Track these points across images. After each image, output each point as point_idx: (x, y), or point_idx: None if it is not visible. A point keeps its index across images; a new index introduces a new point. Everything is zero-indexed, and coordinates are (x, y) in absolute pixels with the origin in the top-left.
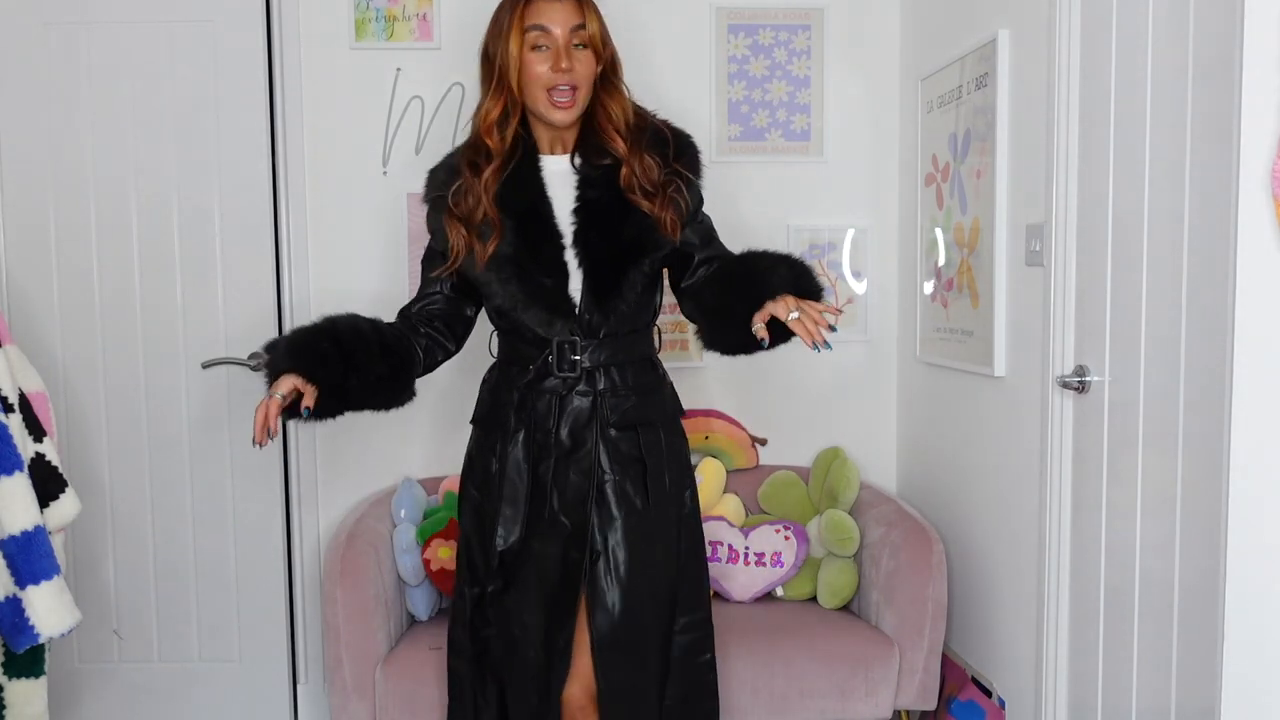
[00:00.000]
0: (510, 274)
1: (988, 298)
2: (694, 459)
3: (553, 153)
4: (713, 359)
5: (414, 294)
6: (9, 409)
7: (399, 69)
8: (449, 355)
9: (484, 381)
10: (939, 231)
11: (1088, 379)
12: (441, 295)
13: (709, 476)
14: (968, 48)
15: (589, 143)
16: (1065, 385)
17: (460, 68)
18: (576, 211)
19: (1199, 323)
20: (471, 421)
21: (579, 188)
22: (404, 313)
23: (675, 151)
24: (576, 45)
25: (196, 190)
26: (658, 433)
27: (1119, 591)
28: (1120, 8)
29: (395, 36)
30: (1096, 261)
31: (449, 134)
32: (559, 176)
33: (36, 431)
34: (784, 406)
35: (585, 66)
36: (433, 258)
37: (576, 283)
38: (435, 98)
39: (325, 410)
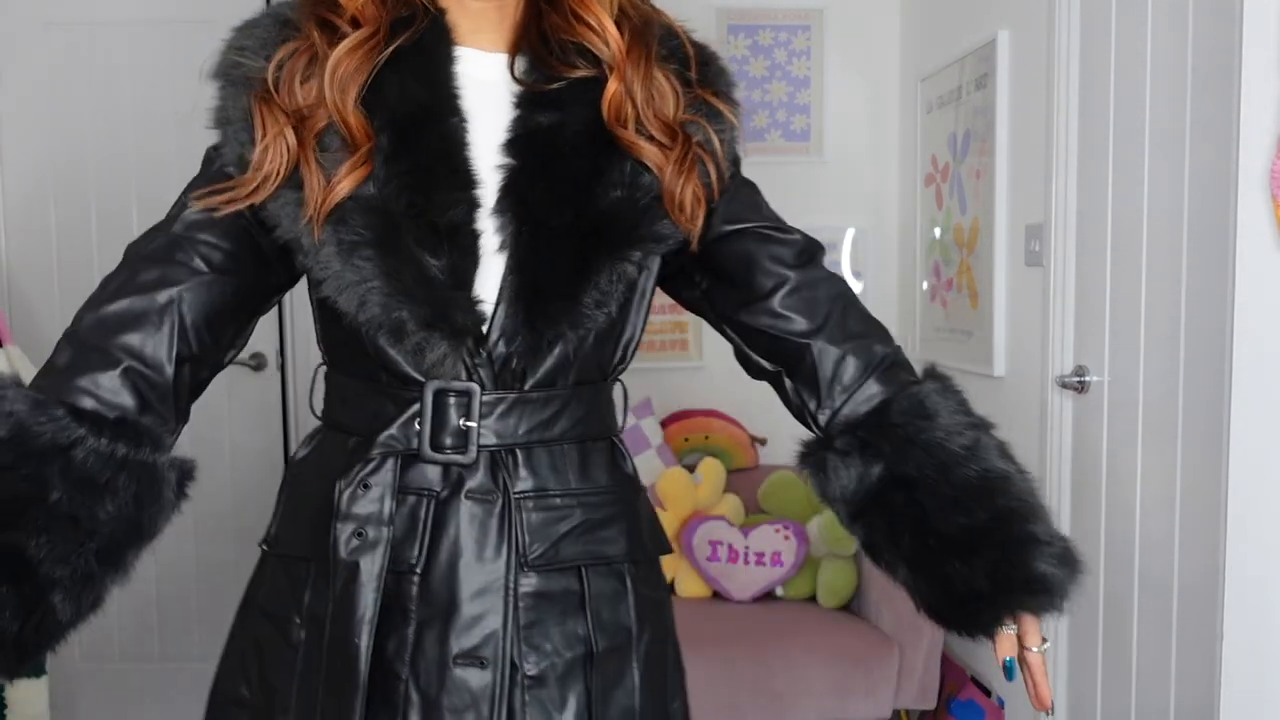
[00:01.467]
0: (367, 239)
1: (987, 298)
2: (694, 459)
3: (475, 46)
4: (713, 358)
5: (154, 244)
6: None
7: None
8: (213, 367)
9: (291, 466)
10: (938, 231)
11: (1087, 379)
12: (207, 251)
13: (709, 476)
14: (967, 48)
15: (543, 36)
16: (1065, 385)
17: None
18: (510, 145)
19: (1198, 323)
20: (262, 543)
21: (519, 106)
22: (97, 307)
23: (701, 73)
24: None
25: None
26: (621, 583)
27: (1118, 590)
28: (1120, 9)
29: None
30: (1096, 261)
31: None
32: (482, 88)
33: None
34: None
35: None
36: (208, 180)
37: (491, 276)
38: None
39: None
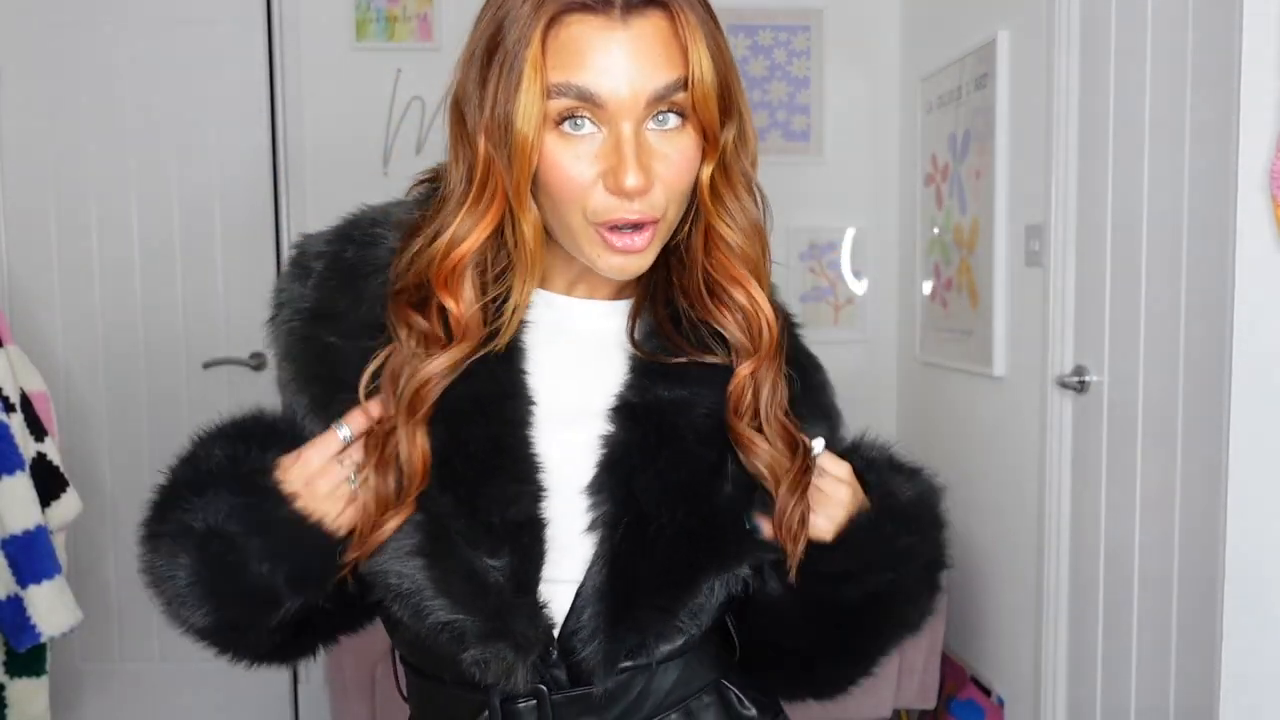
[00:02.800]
0: (412, 547)
1: (987, 298)
2: None
3: (570, 294)
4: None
5: None
6: (10, 409)
7: (399, 69)
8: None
9: None
10: (938, 231)
11: (1087, 379)
12: None
13: None
14: (967, 48)
15: (675, 305)
16: (1064, 385)
17: None
18: (620, 412)
19: (1198, 323)
20: None
21: (636, 371)
22: None
23: (811, 376)
24: (663, 117)
25: (196, 190)
26: None
27: (1118, 591)
28: (1119, 9)
29: (396, 37)
30: (1096, 261)
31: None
32: (577, 341)
33: (38, 431)
34: None
35: (678, 169)
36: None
37: (571, 563)
38: (435, 98)
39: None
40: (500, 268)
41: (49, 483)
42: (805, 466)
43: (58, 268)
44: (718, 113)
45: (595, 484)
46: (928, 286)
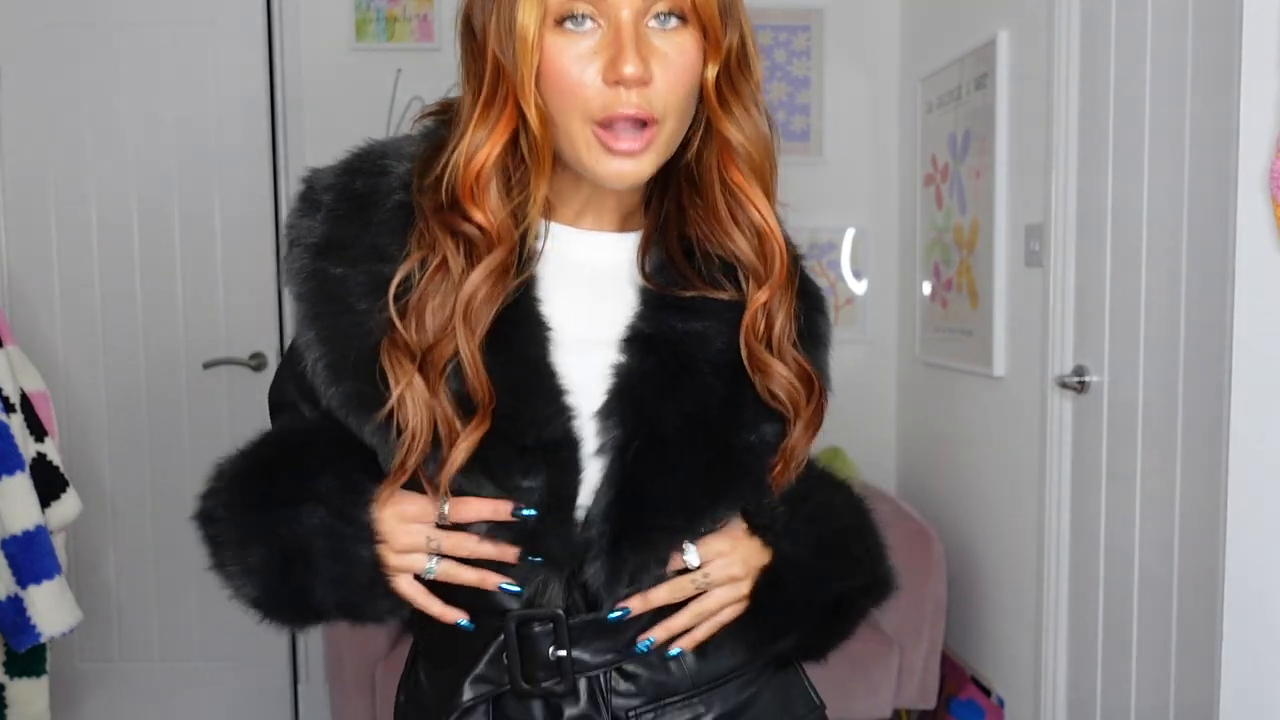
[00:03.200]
0: (468, 476)
1: (987, 298)
2: None
3: (574, 223)
4: None
5: None
6: (10, 409)
7: (399, 69)
8: None
9: (396, 711)
10: (938, 231)
11: (1087, 379)
12: None
13: None
14: (967, 48)
15: (671, 231)
16: (1064, 385)
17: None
18: (632, 344)
19: (1198, 323)
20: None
21: (649, 304)
22: None
23: (814, 318)
24: (664, 18)
25: (196, 190)
26: None
27: (1118, 591)
28: (1119, 8)
29: (396, 37)
30: (1096, 261)
31: None
32: (587, 272)
33: (38, 431)
34: None
35: (678, 69)
36: (300, 406)
37: (583, 490)
38: (436, 98)
39: None
40: (522, 182)
41: (49, 483)
42: (820, 407)
43: (58, 268)
44: (719, 15)
45: (606, 409)
46: (927, 286)
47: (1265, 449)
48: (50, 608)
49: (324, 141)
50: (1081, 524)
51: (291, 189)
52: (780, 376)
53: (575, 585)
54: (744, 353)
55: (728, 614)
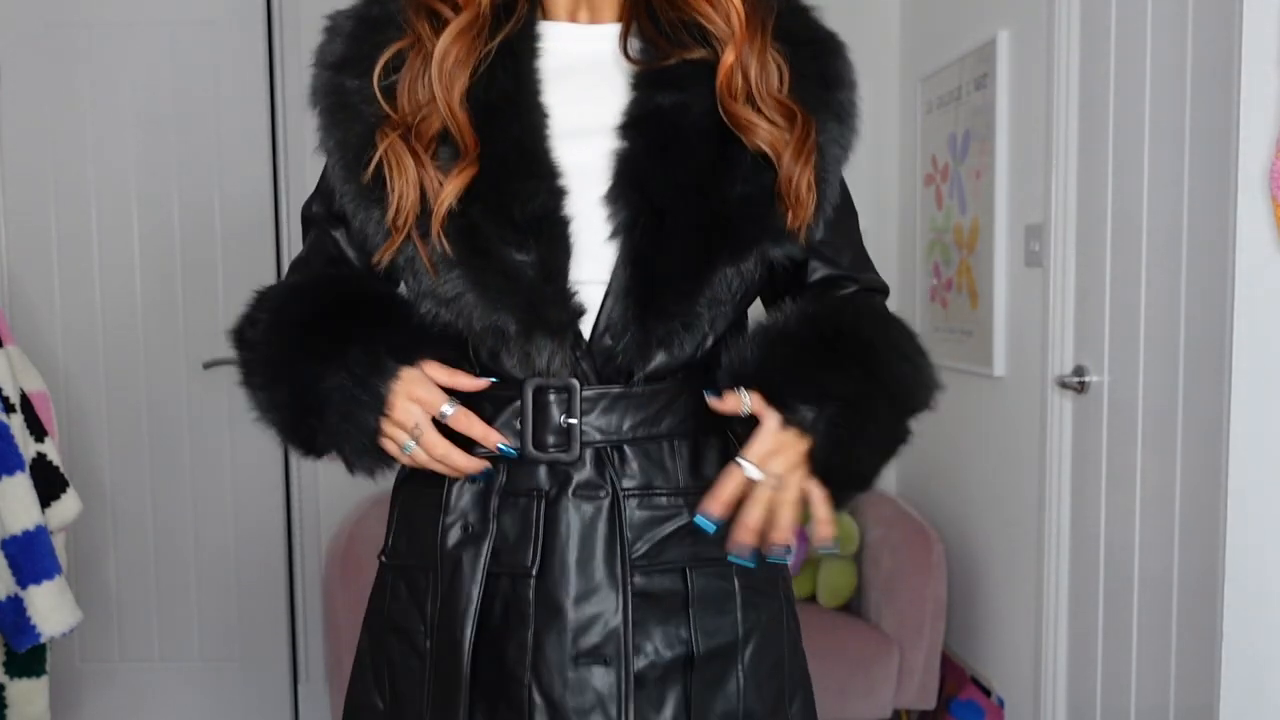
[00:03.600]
0: (450, 254)
1: (987, 298)
2: None
3: (573, 19)
4: None
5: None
6: (10, 409)
7: None
8: None
9: (400, 475)
10: (938, 232)
11: (1087, 379)
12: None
13: None
14: (967, 48)
15: (652, 14)
16: (1064, 385)
17: None
18: (628, 128)
19: (1198, 323)
20: (380, 555)
21: (638, 86)
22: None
23: (825, 61)
24: None
25: (196, 190)
26: (729, 585)
27: (1118, 591)
28: (1119, 8)
29: None
30: (1096, 261)
31: None
32: (579, 62)
33: (38, 431)
34: None
35: None
36: (324, 220)
37: (598, 267)
38: None
39: None
40: None
41: (49, 483)
42: (806, 133)
43: (58, 268)
44: None
45: (612, 193)
46: (928, 286)
47: (1265, 449)
48: (50, 608)
49: None
50: (1081, 524)
51: (292, 189)
52: (760, 128)
53: (582, 358)
54: (723, 113)
55: (794, 509)
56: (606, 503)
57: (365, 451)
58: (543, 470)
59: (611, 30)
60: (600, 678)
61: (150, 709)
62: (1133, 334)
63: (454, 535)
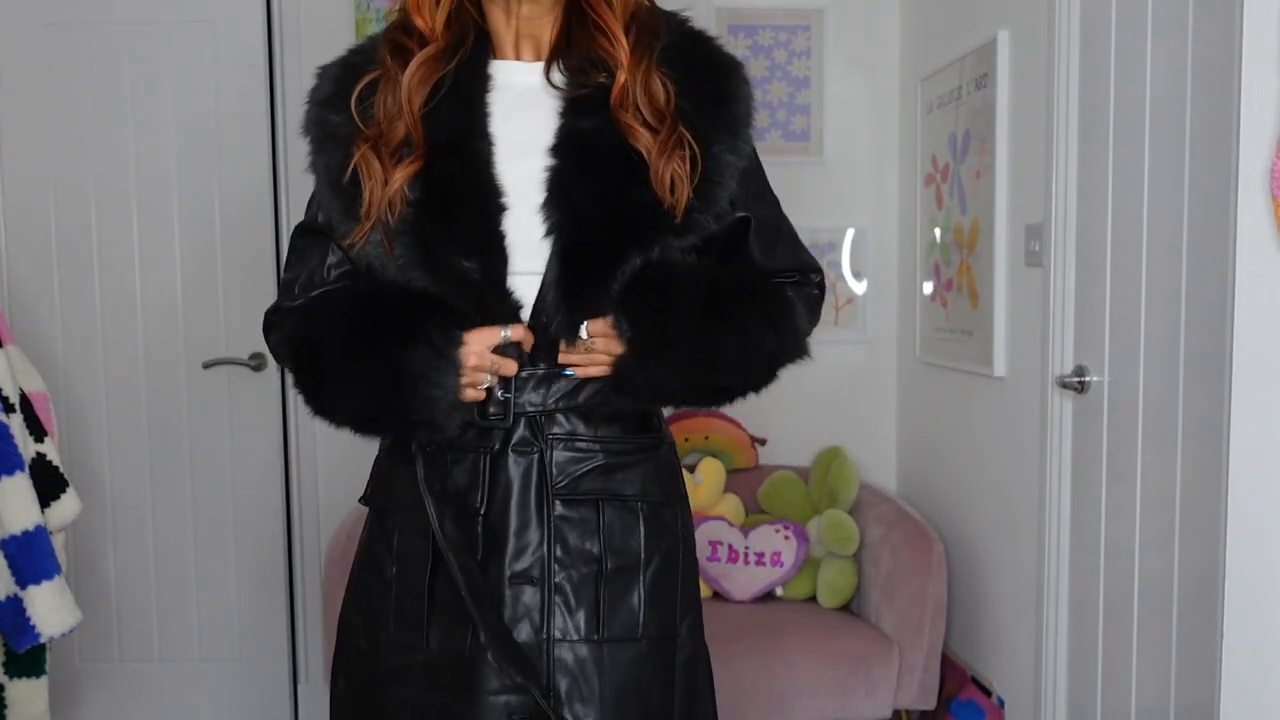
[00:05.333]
0: (412, 258)
1: (987, 298)
2: (694, 459)
3: (517, 56)
4: None
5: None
6: (10, 409)
7: None
8: None
9: (381, 449)
10: (939, 231)
11: (1087, 379)
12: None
13: (709, 476)
14: (968, 48)
15: (574, 47)
16: (1065, 385)
17: None
18: (557, 149)
19: (1198, 323)
20: (361, 500)
21: (565, 114)
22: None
23: (719, 83)
24: None
25: (196, 190)
26: (634, 517)
27: (1118, 591)
28: (1120, 8)
29: None
30: (1096, 261)
31: None
32: (522, 94)
33: (37, 431)
34: (784, 406)
35: None
36: (313, 240)
37: (537, 264)
38: None
39: None
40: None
41: (49, 483)
42: (671, 133)
43: (58, 268)
44: None
45: (546, 204)
46: (928, 286)
47: (1266, 449)
48: (50, 608)
49: None
50: (1081, 524)
51: (292, 188)
52: (639, 132)
53: (522, 349)
54: (619, 126)
55: (596, 370)
56: (536, 456)
57: (453, 407)
58: (491, 432)
59: (539, 66)
60: (529, 595)
61: (150, 709)
62: (1133, 334)
63: (419, 485)
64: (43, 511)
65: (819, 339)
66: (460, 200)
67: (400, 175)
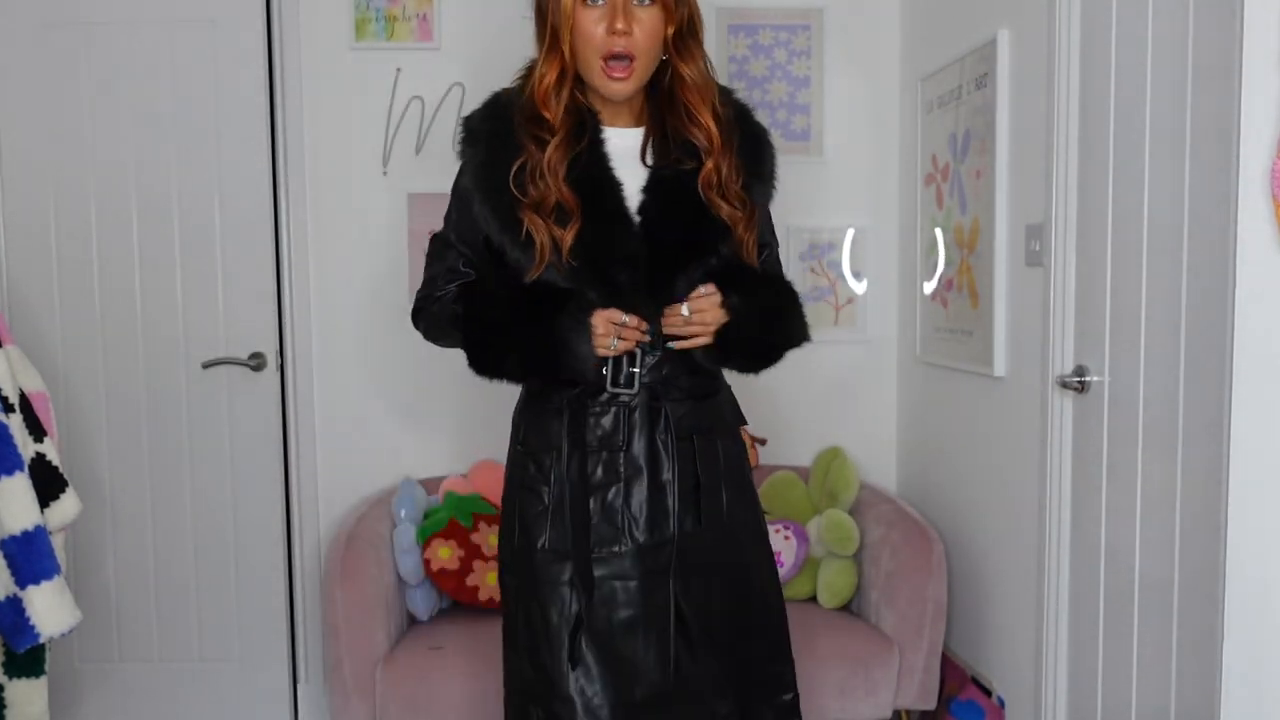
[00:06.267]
0: (587, 275)
1: (987, 298)
2: None
3: (615, 125)
4: None
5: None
6: (9, 409)
7: (399, 69)
8: None
9: (521, 399)
10: (939, 231)
11: (1087, 379)
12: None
13: None
14: (968, 48)
15: (661, 127)
16: (1065, 385)
17: (460, 68)
18: (647, 189)
19: (1199, 323)
20: (516, 444)
21: (652, 170)
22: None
23: (760, 149)
24: (639, 1)
25: (196, 190)
26: (714, 444)
27: (1119, 591)
28: (1120, 8)
29: (395, 36)
30: (1096, 261)
31: (449, 134)
32: (623, 154)
33: (37, 431)
34: (784, 406)
35: (648, 29)
36: (449, 249)
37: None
38: (435, 98)
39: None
40: (569, 98)
41: (48, 483)
42: (751, 215)
43: (58, 268)
44: (675, 3)
45: (640, 227)
46: (928, 286)
47: (1266, 449)
48: (49, 608)
49: (324, 141)
50: (1081, 524)
51: (291, 189)
52: (724, 209)
53: (646, 332)
54: (703, 196)
55: (700, 341)
56: (659, 408)
57: (588, 361)
58: (626, 395)
59: (635, 132)
60: (668, 498)
61: (150, 709)
62: (1133, 334)
63: (574, 430)
64: (42, 511)
65: (819, 339)
66: (615, 227)
67: (569, 236)
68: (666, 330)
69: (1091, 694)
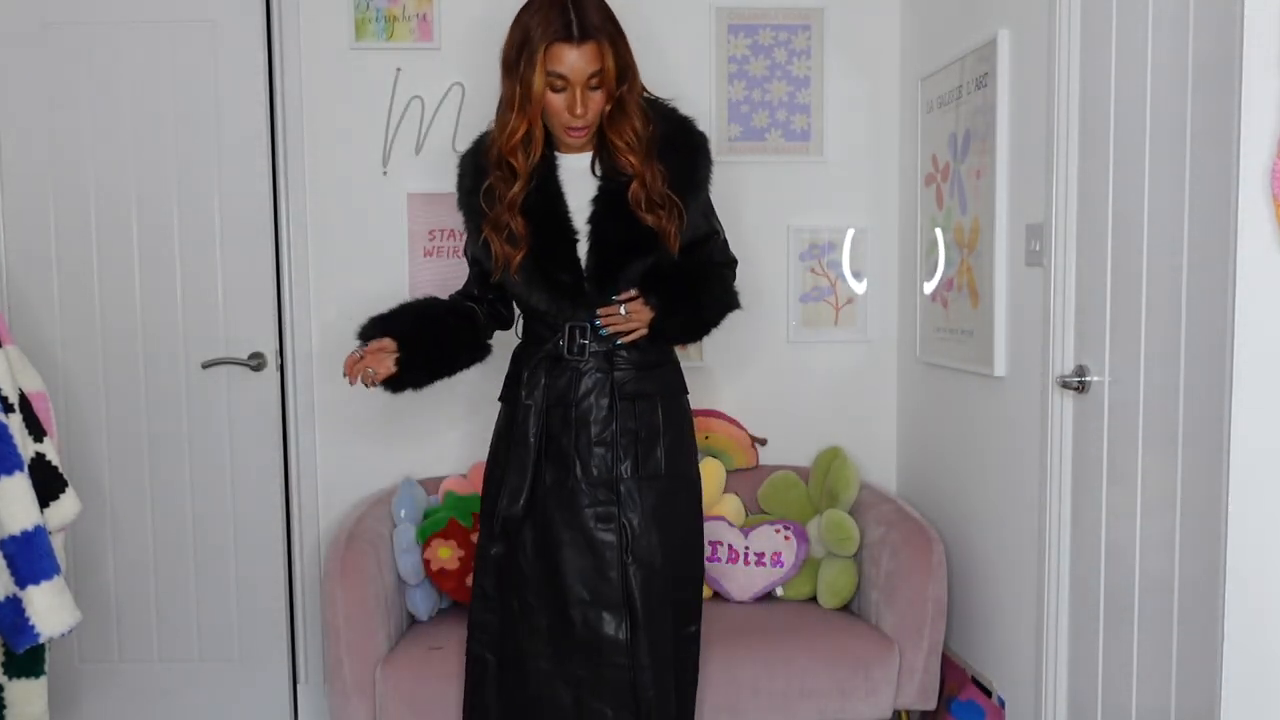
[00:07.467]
0: (536, 280)
1: (988, 297)
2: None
3: (570, 153)
4: (713, 358)
5: (453, 288)
6: (9, 409)
7: (399, 69)
8: (505, 324)
9: (514, 357)
10: (939, 231)
11: (1088, 379)
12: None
13: (709, 476)
14: (968, 48)
15: (607, 152)
16: (1065, 385)
17: (460, 68)
18: (595, 200)
19: (1199, 323)
20: (499, 399)
21: (600, 184)
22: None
23: (693, 157)
24: (592, 88)
25: (196, 190)
26: (654, 406)
27: (1119, 591)
28: (1120, 8)
29: (395, 36)
30: (1096, 261)
31: (449, 134)
32: (577, 174)
33: (36, 431)
34: (784, 406)
35: (597, 106)
36: (472, 263)
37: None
38: (435, 98)
39: (411, 379)
40: (532, 148)
41: (48, 483)
42: (672, 212)
43: (57, 268)
44: (615, 79)
45: (589, 235)
46: (928, 286)
47: (1266, 448)
48: (49, 608)
49: (324, 141)
50: (1082, 524)
51: (291, 189)
52: (649, 217)
53: (587, 316)
54: (633, 207)
55: (636, 335)
56: (607, 374)
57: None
58: (575, 361)
59: (584, 156)
60: (604, 452)
61: (150, 709)
62: (1133, 334)
63: (532, 389)
64: (42, 511)
65: (819, 339)
66: (558, 241)
67: (517, 258)
68: (606, 328)
69: (1091, 694)
